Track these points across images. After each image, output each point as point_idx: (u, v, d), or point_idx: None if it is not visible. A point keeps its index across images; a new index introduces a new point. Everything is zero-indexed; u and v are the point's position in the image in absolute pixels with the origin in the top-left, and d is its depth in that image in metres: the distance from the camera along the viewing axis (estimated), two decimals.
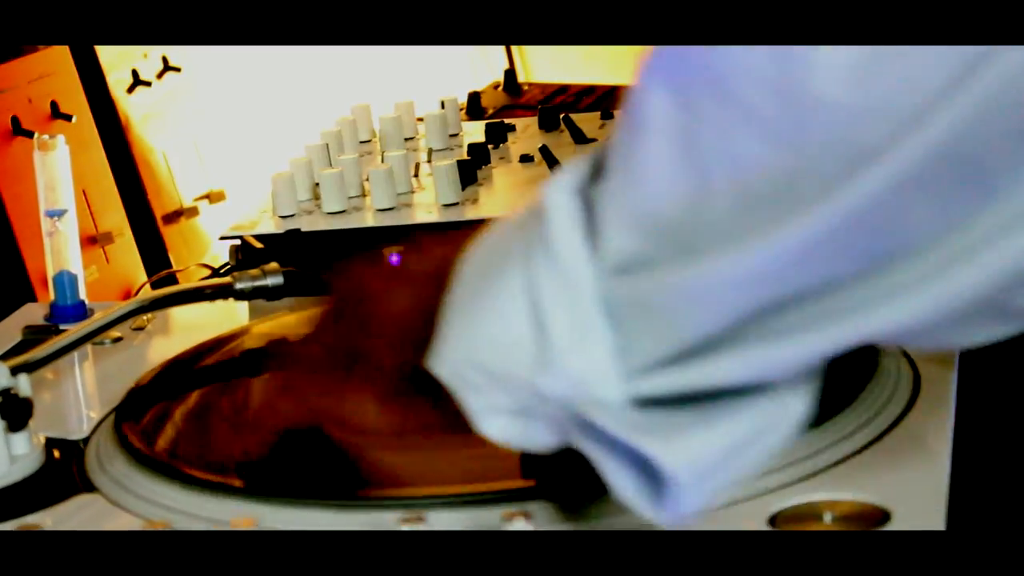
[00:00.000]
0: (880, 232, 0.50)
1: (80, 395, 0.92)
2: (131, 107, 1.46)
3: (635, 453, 0.55)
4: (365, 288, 0.68)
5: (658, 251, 0.53)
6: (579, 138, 1.29)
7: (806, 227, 0.50)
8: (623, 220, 0.54)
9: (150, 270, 1.39)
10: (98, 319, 0.88)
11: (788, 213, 0.50)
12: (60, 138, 1.05)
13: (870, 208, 0.49)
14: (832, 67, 0.48)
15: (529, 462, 0.72)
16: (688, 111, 0.52)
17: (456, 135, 1.35)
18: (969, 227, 0.50)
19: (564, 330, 0.55)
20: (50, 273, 1.04)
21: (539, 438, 0.59)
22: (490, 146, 1.28)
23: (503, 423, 0.59)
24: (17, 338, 0.98)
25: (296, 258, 1.01)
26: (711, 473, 0.55)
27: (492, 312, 0.57)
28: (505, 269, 0.57)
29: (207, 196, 1.54)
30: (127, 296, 1.32)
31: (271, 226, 1.12)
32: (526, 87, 1.66)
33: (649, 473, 0.55)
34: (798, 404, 0.56)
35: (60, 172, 1.04)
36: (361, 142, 1.34)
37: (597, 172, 0.56)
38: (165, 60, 1.54)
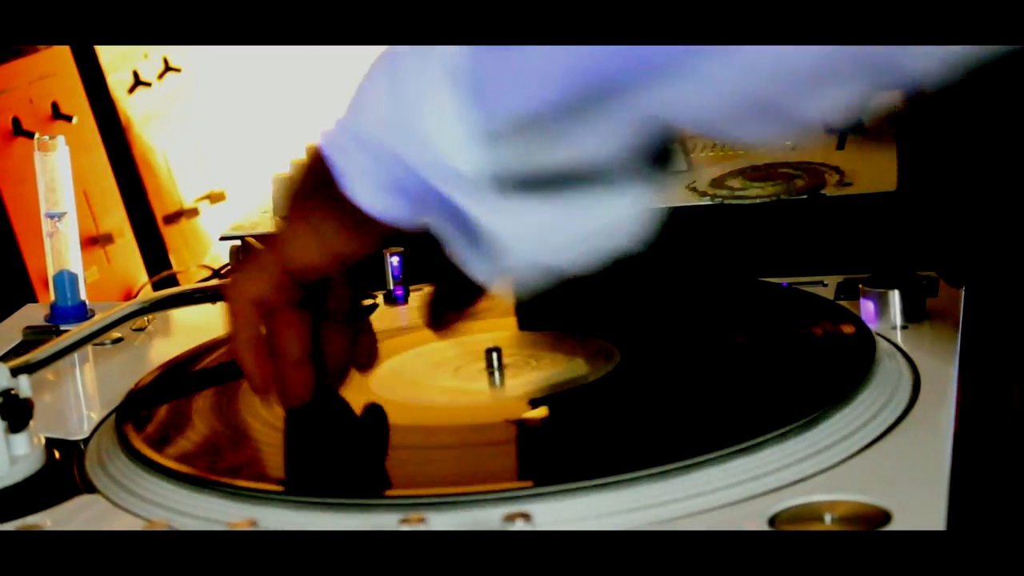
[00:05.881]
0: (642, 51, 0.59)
1: (81, 396, 0.92)
2: (132, 108, 1.46)
3: (471, 219, 0.63)
4: None
5: None
6: None
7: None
8: None
9: (151, 271, 1.39)
10: (99, 320, 0.88)
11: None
12: (60, 139, 1.05)
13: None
14: None
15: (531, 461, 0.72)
16: None
17: None
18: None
19: (416, 93, 0.63)
20: (51, 273, 1.04)
21: (402, 212, 0.66)
22: None
23: (373, 194, 0.65)
24: (17, 339, 0.98)
25: None
26: (529, 237, 0.63)
27: (365, 86, 0.66)
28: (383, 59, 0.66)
29: (207, 196, 1.54)
30: (128, 297, 1.32)
31: (271, 226, 1.12)
32: None
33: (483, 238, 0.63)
34: (630, 200, 0.64)
35: (61, 173, 1.04)
36: None
37: None
38: (166, 61, 1.54)
